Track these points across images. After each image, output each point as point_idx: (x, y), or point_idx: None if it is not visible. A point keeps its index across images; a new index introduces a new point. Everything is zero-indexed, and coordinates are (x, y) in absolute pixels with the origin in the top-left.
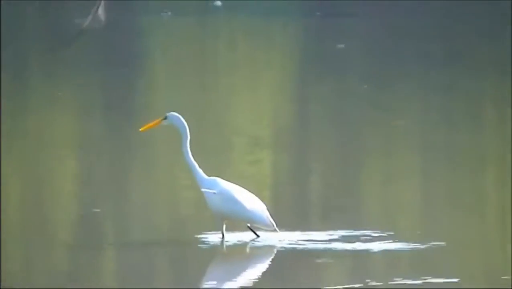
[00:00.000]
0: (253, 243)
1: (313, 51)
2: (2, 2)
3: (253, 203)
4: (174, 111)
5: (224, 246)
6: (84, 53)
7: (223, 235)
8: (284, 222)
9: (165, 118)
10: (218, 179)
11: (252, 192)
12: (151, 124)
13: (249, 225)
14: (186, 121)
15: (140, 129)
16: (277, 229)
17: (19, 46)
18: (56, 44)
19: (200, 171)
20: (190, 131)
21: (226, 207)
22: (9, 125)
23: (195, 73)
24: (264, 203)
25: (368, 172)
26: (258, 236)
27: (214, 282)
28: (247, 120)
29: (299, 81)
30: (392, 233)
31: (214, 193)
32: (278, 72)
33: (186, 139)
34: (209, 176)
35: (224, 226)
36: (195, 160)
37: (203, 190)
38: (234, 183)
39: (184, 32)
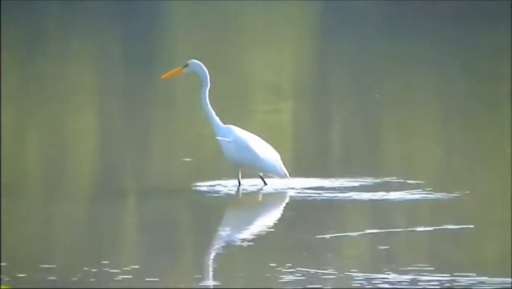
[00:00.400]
0: (268, 190)
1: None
2: None
3: (266, 152)
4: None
5: (240, 193)
6: (103, 5)
7: (239, 182)
8: (301, 170)
9: (186, 65)
10: (233, 127)
11: (270, 141)
12: (172, 71)
13: (260, 174)
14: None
15: (162, 76)
16: (289, 177)
17: None
18: None
19: (217, 119)
20: (210, 81)
21: (240, 155)
22: (28, 72)
23: (216, 27)
24: (278, 152)
25: (388, 123)
26: (265, 183)
27: (228, 228)
28: (267, 71)
29: (319, 35)
30: (413, 182)
31: (229, 141)
32: (299, 26)
33: (206, 86)
34: (226, 124)
35: (240, 174)
36: (214, 109)
37: (218, 138)
38: (251, 132)
39: None
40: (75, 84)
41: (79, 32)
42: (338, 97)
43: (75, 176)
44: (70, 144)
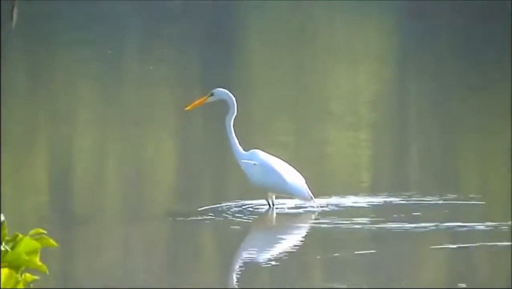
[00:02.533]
0: (297, 211)
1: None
2: None
3: (292, 176)
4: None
5: (271, 214)
6: (183, 29)
7: (269, 204)
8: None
9: (212, 94)
10: (258, 151)
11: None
12: (197, 102)
13: (273, 197)
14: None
15: (186, 108)
16: (314, 200)
17: (116, 21)
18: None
19: (238, 145)
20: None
21: (265, 178)
22: (107, 98)
23: (291, 52)
24: (302, 175)
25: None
26: (270, 206)
27: (256, 249)
28: (341, 102)
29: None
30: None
31: (255, 164)
32: (374, 55)
33: (233, 114)
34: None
35: (270, 196)
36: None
37: (243, 161)
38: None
39: (279, 12)
40: (152, 109)
41: (156, 58)
42: (416, 126)
43: (154, 199)
44: (148, 168)
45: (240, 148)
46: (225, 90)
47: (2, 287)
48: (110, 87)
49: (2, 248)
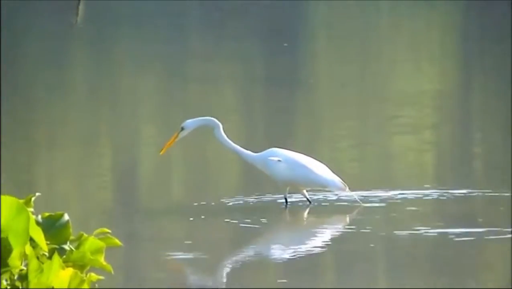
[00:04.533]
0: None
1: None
2: None
3: (320, 168)
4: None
5: (287, 212)
6: (246, 25)
7: (286, 200)
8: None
9: (182, 129)
10: (276, 149)
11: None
12: (169, 142)
13: (305, 191)
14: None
15: (160, 152)
16: (348, 189)
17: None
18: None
19: (243, 149)
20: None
21: (293, 173)
22: (168, 97)
23: (355, 49)
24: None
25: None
26: (310, 202)
27: (279, 246)
28: (404, 97)
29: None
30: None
31: (279, 160)
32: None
33: (219, 127)
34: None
35: (287, 191)
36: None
37: (270, 158)
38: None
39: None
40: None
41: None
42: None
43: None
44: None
45: (249, 152)
46: (194, 119)
47: (67, 287)
48: (173, 82)
49: (67, 248)
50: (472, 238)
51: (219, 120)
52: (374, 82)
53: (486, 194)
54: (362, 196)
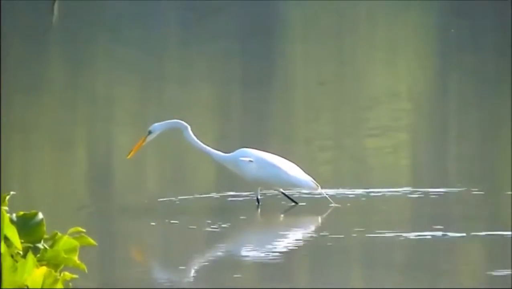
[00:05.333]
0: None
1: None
2: None
3: (292, 168)
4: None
5: (259, 211)
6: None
7: (258, 200)
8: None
9: (150, 132)
10: (246, 149)
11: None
12: (136, 146)
13: (282, 190)
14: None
15: (128, 156)
16: (320, 189)
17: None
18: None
19: (213, 150)
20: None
21: (265, 173)
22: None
23: (331, 46)
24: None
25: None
26: (296, 203)
27: (252, 246)
28: (383, 93)
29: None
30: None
31: (250, 161)
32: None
33: (187, 130)
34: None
35: (259, 192)
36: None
37: (241, 159)
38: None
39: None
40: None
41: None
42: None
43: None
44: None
45: (219, 152)
46: (161, 122)
47: (41, 285)
48: (148, 82)
49: (42, 247)
50: (447, 238)
51: (192, 121)
52: (350, 82)
53: (461, 192)
54: (335, 195)
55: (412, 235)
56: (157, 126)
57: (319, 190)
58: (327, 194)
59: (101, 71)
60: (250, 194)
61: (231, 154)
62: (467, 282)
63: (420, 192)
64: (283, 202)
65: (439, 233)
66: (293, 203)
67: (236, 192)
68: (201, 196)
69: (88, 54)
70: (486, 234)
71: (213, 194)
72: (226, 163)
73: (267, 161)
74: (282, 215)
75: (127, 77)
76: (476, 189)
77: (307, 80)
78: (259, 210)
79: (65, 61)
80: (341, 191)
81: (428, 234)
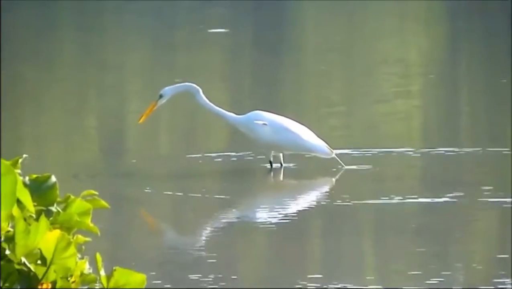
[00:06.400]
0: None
1: None
2: None
3: (306, 132)
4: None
5: (272, 175)
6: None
7: (271, 163)
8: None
9: (161, 96)
10: (260, 112)
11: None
12: (148, 110)
13: (271, 157)
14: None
15: (139, 121)
16: (335, 155)
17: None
18: None
19: (227, 112)
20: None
21: (280, 137)
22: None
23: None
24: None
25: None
26: (281, 165)
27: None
28: (393, 57)
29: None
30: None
31: (264, 124)
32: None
33: (198, 92)
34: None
35: (272, 156)
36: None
37: (255, 122)
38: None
39: None
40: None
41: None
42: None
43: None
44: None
45: (232, 114)
46: (172, 86)
47: (53, 248)
48: (162, 48)
49: (54, 210)
50: (458, 201)
51: (203, 86)
52: (361, 47)
53: (476, 152)
54: (346, 157)
55: (425, 199)
56: (168, 90)
57: (333, 156)
58: (338, 159)
59: (112, 38)
60: (262, 157)
61: (244, 116)
62: (480, 251)
63: (432, 153)
64: (297, 166)
65: (452, 198)
66: (280, 165)
67: (249, 154)
68: (214, 158)
69: (98, 21)
70: (500, 201)
71: (225, 157)
72: (239, 125)
73: (281, 125)
74: (294, 180)
75: (138, 44)
76: (491, 149)
77: (318, 47)
78: (271, 173)
79: (76, 29)
80: (352, 153)
81: (441, 199)
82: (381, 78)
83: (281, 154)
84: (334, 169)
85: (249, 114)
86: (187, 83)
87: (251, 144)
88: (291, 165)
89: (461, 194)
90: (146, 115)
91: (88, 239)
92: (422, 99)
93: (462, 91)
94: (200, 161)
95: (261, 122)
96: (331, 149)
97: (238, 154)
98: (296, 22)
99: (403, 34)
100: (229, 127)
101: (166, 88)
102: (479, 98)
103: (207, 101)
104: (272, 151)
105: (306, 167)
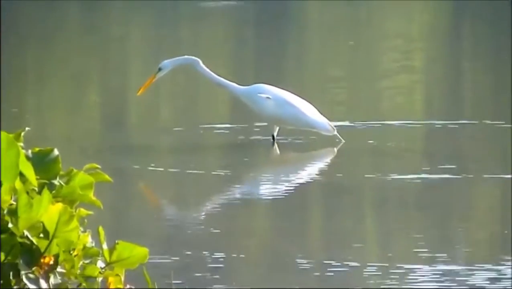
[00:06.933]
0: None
1: None
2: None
3: (309, 108)
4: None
5: (276, 148)
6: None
7: (274, 137)
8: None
9: (159, 69)
10: (263, 85)
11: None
12: (146, 83)
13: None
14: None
15: (138, 93)
16: (337, 133)
17: None
18: None
19: (230, 82)
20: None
21: (283, 111)
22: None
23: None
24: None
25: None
26: (273, 140)
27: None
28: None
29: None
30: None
31: (268, 98)
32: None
33: (198, 63)
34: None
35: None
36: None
37: (259, 95)
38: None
39: None
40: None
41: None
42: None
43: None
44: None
45: (235, 84)
46: (171, 59)
47: (56, 221)
48: (163, 19)
49: (57, 183)
50: (461, 178)
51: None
52: (364, 24)
53: (476, 126)
54: (348, 130)
55: (427, 175)
56: (167, 63)
57: (335, 133)
58: (339, 135)
59: (117, 5)
60: (265, 129)
61: (247, 87)
62: (482, 227)
63: (436, 125)
64: (298, 140)
65: (454, 173)
66: (272, 140)
67: (252, 127)
68: (216, 130)
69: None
70: (501, 177)
71: (228, 130)
72: (242, 96)
73: (285, 99)
74: (296, 153)
75: (141, 18)
76: (494, 122)
77: (321, 23)
78: (274, 147)
79: (79, 3)
80: (354, 126)
81: (442, 174)
82: (383, 53)
83: (275, 128)
84: (336, 143)
85: (252, 86)
86: (186, 56)
87: (253, 117)
88: (289, 139)
89: (462, 167)
90: (144, 87)
91: (90, 212)
92: (424, 74)
93: (464, 66)
94: (201, 132)
95: (264, 96)
96: (333, 126)
97: (239, 126)
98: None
99: (407, 10)
100: (231, 98)
101: (165, 61)
102: (482, 73)
103: (209, 70)
104: (276, 126)
105: (308, 141)
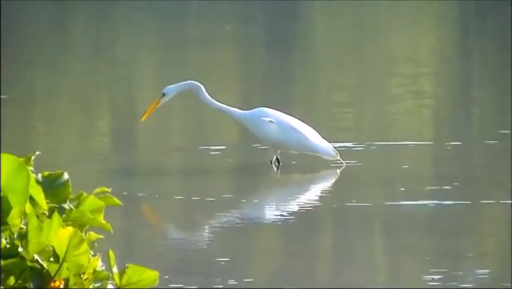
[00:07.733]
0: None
1: None
2: None
3: (312, 133)
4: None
5: (279, 173)
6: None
7: (278, 161)
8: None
9: (163, 95)
10: (266, 109)
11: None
12: (150, 108)
13: (277, 157)
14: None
15: (141, 119)
16: (341, 158)
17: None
18: None
19: (231, 108)
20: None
21: (285, 136)
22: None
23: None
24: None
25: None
26: (279, 163)
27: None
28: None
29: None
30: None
31: (271, 121)
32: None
33: (201, 90)
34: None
35: (279, 153)
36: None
37: (261, 118)
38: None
39: None
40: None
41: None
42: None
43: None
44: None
45: (237, 109)
46: (175, 84)
47: (66, 245)
48: (172, 45)
49: (67, 207)
50: (467, 202)
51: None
52: (371, 46)
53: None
54: (354, 151)
55: (434, 201)
56: (171, 88)
57: (338, 158)
58: (342, 160)
59: (125, 29)
60: (269, 153)
61: (249, 112)
62: (493, 252)
63: (440, 148)
64: (302, 163)
65: (465, 198)
66: (277, 163)
67: (256, 149)
68: (220, 152)
69: (109, 19)
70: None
71: (230, 152)
72: (245, 120)
73: (288, 124)
74: (301, 176)
75: (147, 41)
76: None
77: (328, 43)
78: (278, 171)
79: (91, 19)
80: (360, 147)
81: (449, 201)
82: (390, 77)
83: (278, 152)
84: (338, 166)
85: (254, 110)
86: (189, 81)
87: (256, 140)
88: (293, 162)
89: (473, 192)
90: (148, 113)
91: (100, 236)
92: (432, 98)
93: (472, 88)
94: (208, 153)
95: (268, 119)
96: (336, 152)
97: (242, 149)
98: (307, 19)
99: (413, 32)
100: (233, 123)
101: (169, 86)
102: (488, 94)
103: (210, 98)
104: (278, 150)
105: (310, 164)
